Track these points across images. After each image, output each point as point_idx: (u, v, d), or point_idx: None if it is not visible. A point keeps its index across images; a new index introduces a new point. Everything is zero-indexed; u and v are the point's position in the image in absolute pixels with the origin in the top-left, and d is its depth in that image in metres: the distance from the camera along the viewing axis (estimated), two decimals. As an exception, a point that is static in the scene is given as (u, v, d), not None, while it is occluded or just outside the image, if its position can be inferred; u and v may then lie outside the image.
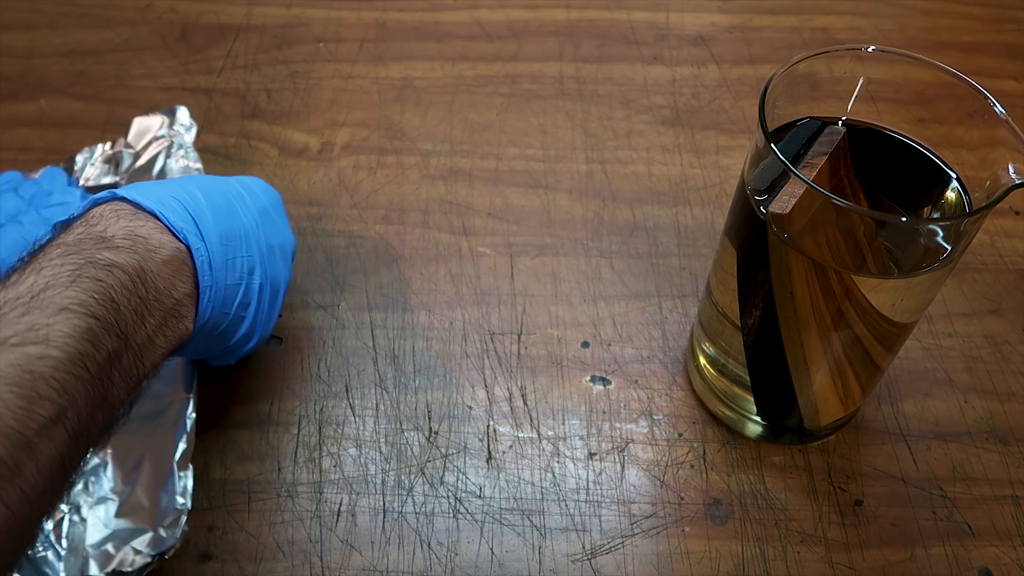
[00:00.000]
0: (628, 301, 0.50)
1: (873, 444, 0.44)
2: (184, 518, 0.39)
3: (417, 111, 0.59)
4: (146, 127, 0.53)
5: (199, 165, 0.51)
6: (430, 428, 0.45)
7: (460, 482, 0.43)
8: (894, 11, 0.67)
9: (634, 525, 0.42)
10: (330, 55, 0.63)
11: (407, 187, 0.55)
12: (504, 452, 0.44)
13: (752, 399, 0.43)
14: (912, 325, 0.39)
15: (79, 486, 0.41)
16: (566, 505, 0.42)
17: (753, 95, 0.61)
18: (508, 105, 0.60)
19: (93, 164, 0.52)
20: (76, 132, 0.57)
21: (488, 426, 0.45)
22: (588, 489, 0.43)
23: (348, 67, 0.62)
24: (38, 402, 0.29)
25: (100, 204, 0.38)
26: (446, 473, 0.43)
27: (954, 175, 0.36)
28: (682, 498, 0.42)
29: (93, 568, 0.38)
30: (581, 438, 0.44)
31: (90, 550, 0.39)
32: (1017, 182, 0.33)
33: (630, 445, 0.44)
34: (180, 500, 0.40)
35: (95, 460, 0.42)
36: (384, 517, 0.42)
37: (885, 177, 0.37)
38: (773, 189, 0.35)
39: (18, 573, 0.39)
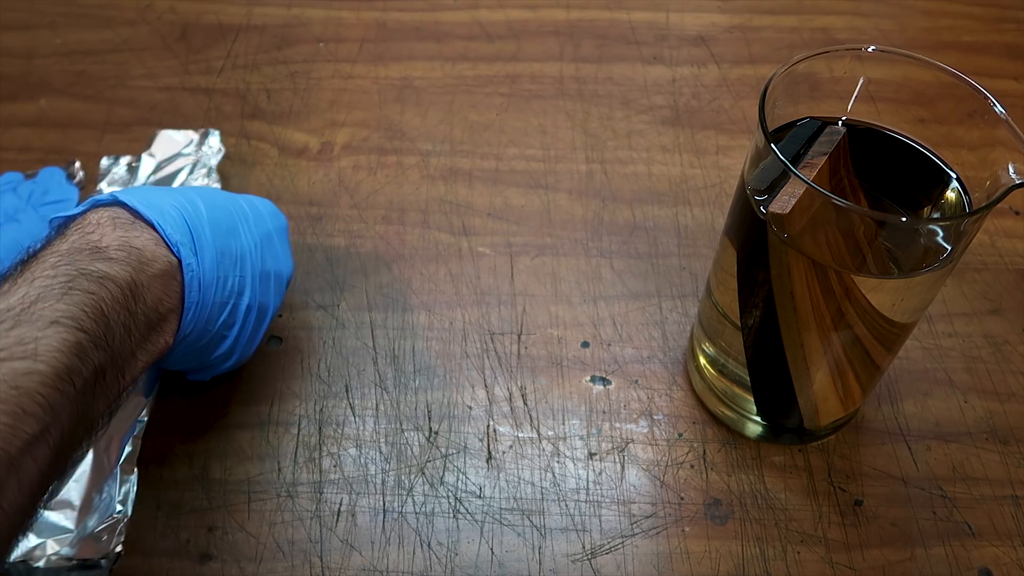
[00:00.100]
0: (628, 301, 0.50)
1: (873, 444, 0.44)
2: (122, 527, 0.38)
3: (417, 111, 0.59)
4: (174, 141, 0.53)
5: (217, 186, 0.51)
6: (430, 428, 0.45)
7: (460, 482, 0.43)
8: (894, 11, 0.67)
9: (634, 525, 0.42)
10: (330, 55, 0.63)
11: (407, 187, 0.55)
12: (504, 452, 0.44)
13: (752, 399, 0.43)
14: (912, 325, 0.39)
15: None
16: (566, 505, 0.42)
17: (753, 95, 0.61)
18: (508, 105, 0.60)
19: (117, 171, 0.52)
20: (76, 132, 0.57)
21: (488, 426, 0.45)
22: (588, 489, 0.43)
23: (348, 67, 0.62)
24: (23, 419, 0.29)
25: (99, 208, 0.37)
26: (446, 473, 0.43)
27: (954, 175, 0.36)
28: (682, 498, 0.42)
29: None
30: (581, 438, 0.44)
31: None
32: (1017, 182, 0.33)
33: (630, 445, 0.44)
34: (119, 507, 0.38)
35: None
36: (384, 517, 0.42)
37: (885, 177, 0.37)
38: (773, 189, 0.35)
39: None
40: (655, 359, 0.47)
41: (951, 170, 0.36)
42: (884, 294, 0.35)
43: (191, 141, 0.53)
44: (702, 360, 0.45)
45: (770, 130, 0.35)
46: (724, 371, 0.43)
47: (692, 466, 0.44)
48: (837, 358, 0.39)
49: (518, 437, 0.44)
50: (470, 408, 0.45)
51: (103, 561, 0.37)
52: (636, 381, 0.47)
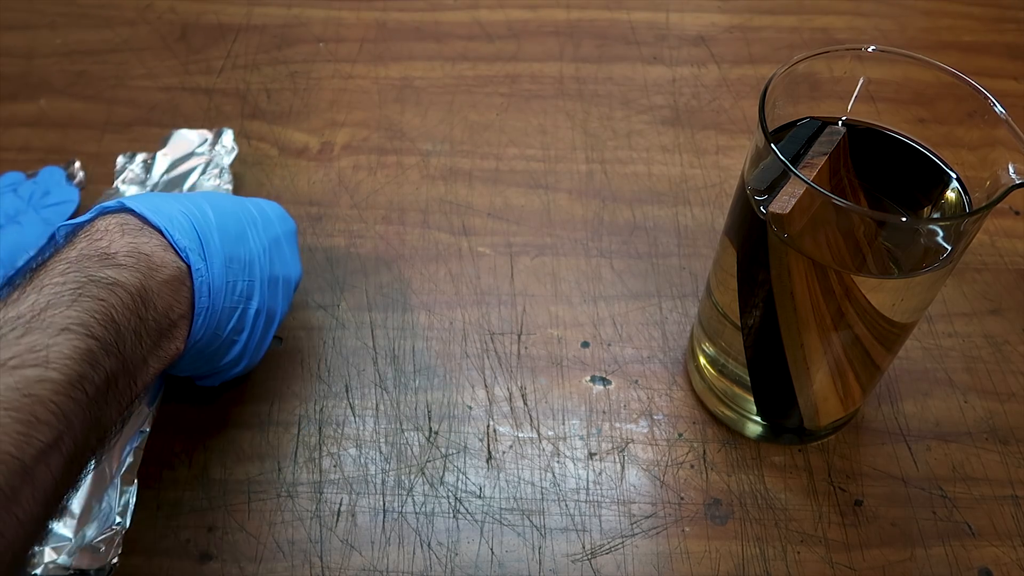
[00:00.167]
0: (628, 301, 0.50)
1: (873, 444, 0.44)
2: (119, 539, 0.37)
3: (417, 111, 0.59)
4: (188, 140, 0.53)
5: (230, 187, 0.51)
6: (430, 428, 0.45)
7: (460, 482, 0.43)
8: (894, 11, 0.67)
9: (634, 525, 0.42)
10: (330, 55, 0.63)
11: (407, 187, 0.55)
12: (504, 452, 0.44)
13: (752, 399, 0.43)
14: (912, 325, 0.39)
15: None
16: (566, 505, 0.42)
17: (753, 95, 0.61)
18: (508, 105, 0.60)
19: (132, 168, 0.52)
20: (76, 132, 0.57)
21: (488, 426, 0.45)
22: (588, 489, 0.43)
23: (348, 67, 0.62)
24: (37, 427, 0.29)
25: (107, 214, 0.37)
26: (446, 473, 0.43)
27: (954, 175, 0.36)
28: (682, 498, 0.42)
29: None
30: (581, 438, 0.44)
31: None
32: (1017, 182, 0.33)
33: (630, 445, 0.44)
34: (118, 519, 0.38)
35: None
36: (384, 517, 0.42)
37: (885, 177, 0.37)
38: (773, 189, 0.35)
39: None
40: (655, 359, 0.47)
41: (951, 170, 0.36)
42: (884, 294, 0.35)
43: (205, 140, 0.53)
44: (702, 360, 0.45)
45: (770, 130, 0.35)
46: (724, 371, 0.43)
47: (692, 466, 0.44)
48: (837, 358, 0.39)
49: (518, 437, 0.44)
50: (470, 408, 0.45)
51: (98, 572, 0.37)
52: (636, 381, 0.47)
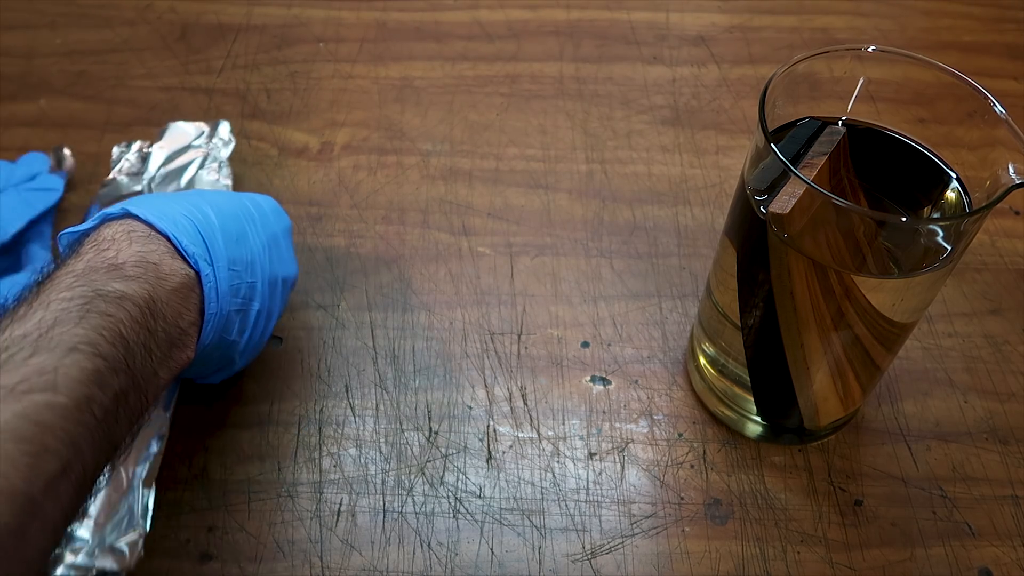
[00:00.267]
0: (628, 301, 0.50)
1: (873, 444, 0.44)
2: (142, 541, 0.38)
3: (417, 111, 0.59)
4: (184, 133, 0.53)
5: (229, 181, 0.51)
6: (430, 428, 0.45)
7: (460, 482, 0.43)
8: (894, 11, 0.67)
9: (634, 525, 0.42)
10: (330, 55, 0.63)
11: (407, 187, 0.55)
12: (504, 452, 0.44)
13: (752, 399, 0.43)
14: (912, 325, 0.39)
15: None
16: (566, 505, 0.42)
17: (753, 95, 0.60)
18: (508, 105, 0.60)
19: (129, 159, 0.52)
20: (76, 132, 0.57)
21: (488, 426, 0.45)
22: (588, 489, 0.43)
23: (348, 67, 0.62)
24: (45, 457, 0.28)
25: (112, 221, 0.37)
26: (446, 473, 0.43)
27: (954, 175, 0.36)
28: (682, 498, 0.42)
29: None
30: (581, 438, 0.44)
31: None
32: (1017, 182, 0.33)
33: (630, 445, 0.44)
34: (140, 520, 0.38)
35: None
36: (384, 517, 0.42)
37: (885, 177, 0.37)
38: (773, 189, 0.35)
39: None
40: (655, 359, 0.47)
41: (951, 170, 0.36)
42: (884, 294, 0.35)
43: (202, 133, 0.53)
44: (702, 360, 0.45)
45: (770, 130, 0.35)
46: (724, 371, 0.43)
47: (692, 466, 0.44)
48: (837, 358, 0.39)
49: (518, 437, 0.44)
50: (470, 408, 0.45)
51: (121, 573, 0.37)
52: (636, 381, 0.47)
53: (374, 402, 0.46)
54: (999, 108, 0.34)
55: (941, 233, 0.35)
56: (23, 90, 0.60)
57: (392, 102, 0.60)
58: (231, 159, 0.53)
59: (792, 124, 0.37)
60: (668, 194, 0.55)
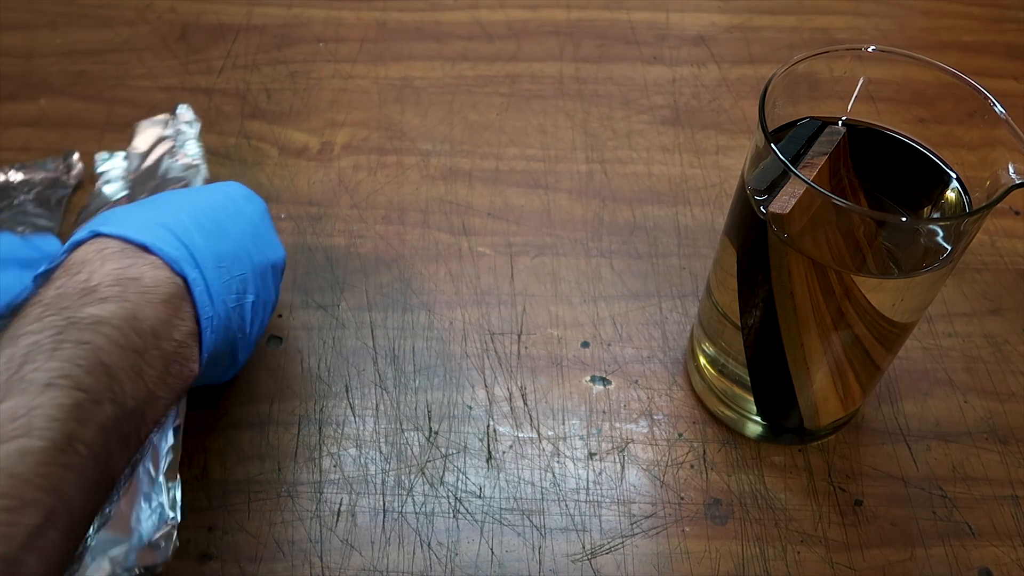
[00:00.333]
0: (628, 301, 0.50)
1: (873, 444, 0.44)
2: (176, 532, 0.37)
3: (417, 111, 0.59)
4: (152, 129, 0.53)
5: (200, 161, 0.50)
6: (430, 428, 0.45)
7: (460, 482, 0.43)
8: (894, 11, 0.67)
9: (634, 525, 0.42)
10: (330, 55, 0.63)
11: (407, 187, 0.55)
12: (504, 452, 0.44)
13: (752, 399, 0.43)
14: (912, 325, 0.39)
15: None
16: (566, 505, 0.42)
17: (753, 95, 0.60)
18: (508, 105, 0.60)
19: (113, 165, 0.52)
20: (76, 132, 0.57)
21: (488, 426, 0.45)
22: (588, 489, 0.43)
23: (348, 67, 0.62)
24: (23, 511, 0.26)
25: (81, 245, 0.34)
26: (446, 473, 0.43)
27: (954, 175, 0.36)
28: (682, 498, 0.42)
29: None
30: (581, 438, 0.44)
31: None
32: (1017, 182, 0.33)
33: (630, 445, 0.44)
34: (170, 513, 0.38)
35: None
36: (384, 517, 0.42)
37: (885, 177, 0.37)
38: (773, 189, 0.35)
39: None
40: (655, 359, 0.47)
41: (951, 170, 0.36)
42: (884, 294, 0.35)
43: (167, 122, 0.52)
44: (702, 360, 0.45)
45: (770, 130, 0.35)
46: (724, 371, 0.43)
47: (692, 466, 0.44)
48: (837, 358, 0.39)
49: (518, 437, 0.44)
50: (470, 408, 0.45)
51: (160, 566, 0.37)
52: (636, 381, 0.47)
53: (374, 402, 0.46)
54: (999, 108, 0.34)
55: (941, 233, 0.35)
56: (23, 90, 0.60)
57: (392, 102, 0.60)
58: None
59: (792, 124, 0.37)
60: (668, 194, 0.55)
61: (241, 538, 0.41)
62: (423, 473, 0.43)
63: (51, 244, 0.49)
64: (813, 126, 0.36)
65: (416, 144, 0.57)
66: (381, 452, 0.44)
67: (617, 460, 0.44)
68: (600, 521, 0.42)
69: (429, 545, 0.41)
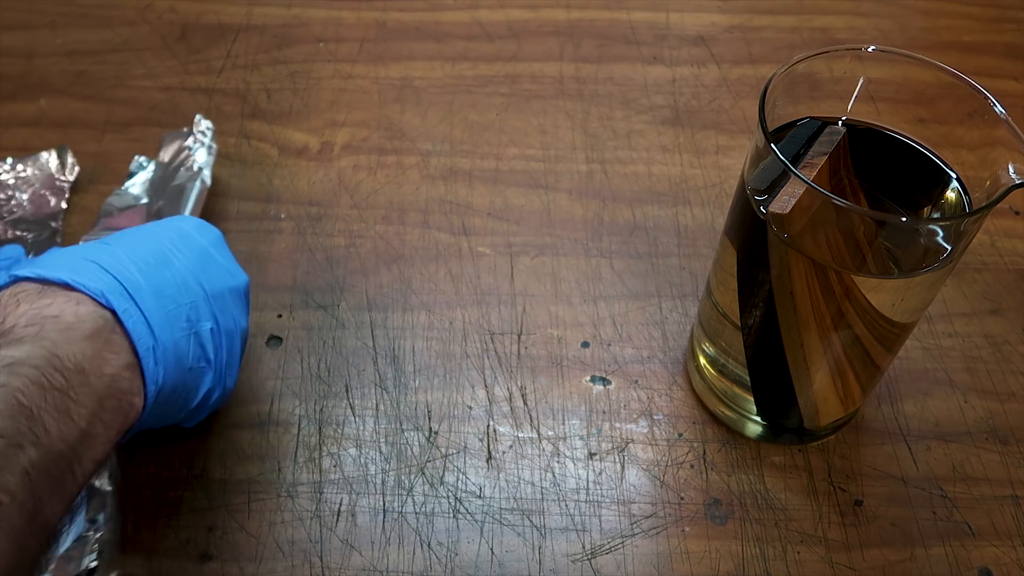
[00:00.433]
0: (628, 301, 0.50)
1: (873, 444, 0.44)
2: (94, 542, 0.36)
3: (417, 111, 0.59)
4: (176, 138, 0.53)
5: (204, 168, 0.50)
6: (430, 428, 0.45)
7: (460, 482, 0.43)
8: (894, 11, 0.67)
9: (634, 525, 0.42)
10: (330, 55, 0.63)
11: (407, 187, 0.55)
12: (504, 452, 0.44)
13: (752, 399, 0.43)
14: (912, 325, 0.39)
15: None
16: (566, 505, 0.42)
17: (753, 95, 0.61)
18: (508, 105, 0.60)
19: (145, 171, 0.52)
20: (76, 132, 0.57)
21: (488, 426, 0.45)
22: (588, 489, 0.43)
23: (348, 67, 0.62)
24: None
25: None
26: (446, 473, 0.43)
27: (954, 175, 0.36)
28: (682, 498, 0.42)
29: None
30: (581, 438, 0.44)
31: None
32: (1017, 182, 0.33)
33: (630, 445, 0.44)
34: (86, 523, 0.36)
35: None
36: (384, 517, 0.42)
37: (885, 177, 0.37)
38: (773, 189, 0.35)
39: None
40: (655, 359, 0.47)
41: (951, 170, 0.36)
42: (884, 294, 0.35)
43: (188, 134, 0.53)
44: (702, 360, 0.45)
45: (770, 130, 0.35)
46: (724, 371, 0.43)
47: (692, 466, 0.44)
48: (837, 358, 0.39)
49: (518, 437, 0.44)
50: (470, 408, 0.45)
51: None
52: (636, 381, 0.47)
53: (374, 402, 0.46)
54: (999, 108, 0.34)
55: (941, 233, 0.35)
56: (23, 90, 0.60)
57: (392, 102, 0.60)
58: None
59: (792, 124, 0.37)
60: (668, 194, 0.55)
61: (241, 538, 0.41)
62: (423, 473, 0.43)
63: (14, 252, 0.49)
64: (813, 126, 0.37)
65: (416, 144, 0.57)
66: (381, 452, 0.44)
67: (617, 460, 0.44)
68: (600, 521, 0.42)
69: (429, 545, 0.41)
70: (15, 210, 0.52)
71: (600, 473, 0.43)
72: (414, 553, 0.41)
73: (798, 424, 0.43)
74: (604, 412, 0.45)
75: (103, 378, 0.32)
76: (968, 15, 0.67)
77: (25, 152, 0.55)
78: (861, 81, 0.37)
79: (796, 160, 0.35)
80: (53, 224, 0.52)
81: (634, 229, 0.53)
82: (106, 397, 0.32)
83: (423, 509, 0.42)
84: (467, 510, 0.42)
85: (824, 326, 0.37)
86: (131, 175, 0.52)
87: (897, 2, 0.68)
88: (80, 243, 0.46)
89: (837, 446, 0.44)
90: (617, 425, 0.45)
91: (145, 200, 0.50)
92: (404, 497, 0.42)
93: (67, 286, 0.33)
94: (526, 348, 0.48)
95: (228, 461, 0.43)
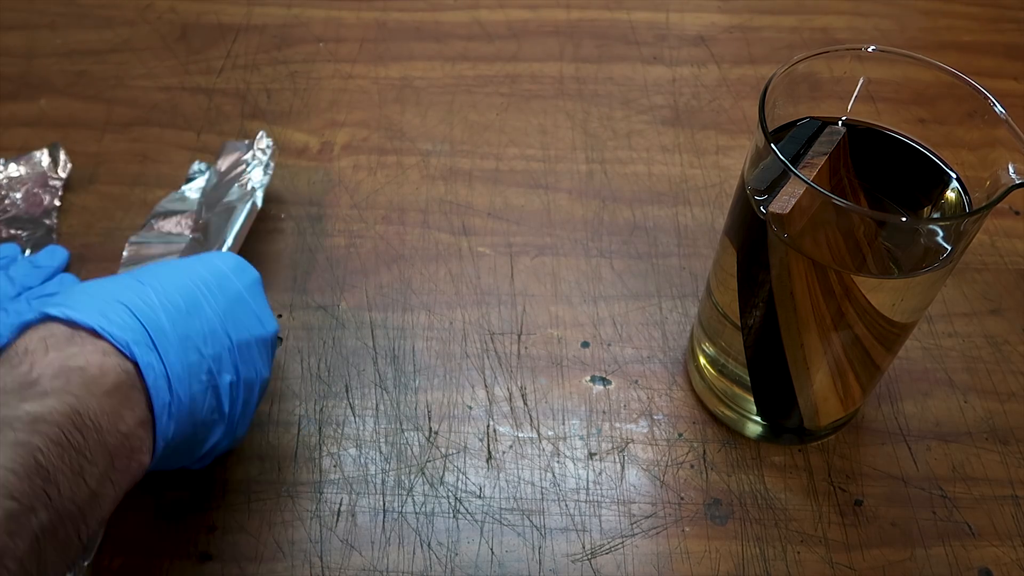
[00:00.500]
0: (628, 301, 0.50)
1: (873, 444, 0.44)
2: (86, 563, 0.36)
3: (417, 111, 0.59)
4: (235, 152, 0.53)
5: (258, 188, 0.49)
6: (430, 428, 0.45)
7: (460, 482, 0.43)
8: (894, 11, 0.67)
9: (634, 525, 0.42)
10: (330, 55, 0.63)
11: (407, 187, 0.55)
12: (504, 452, 0.44)
13: (752, 399, 0.43)
14: (912, 325, 0.39)
15: None
16: (566, 505, 0.42)
17: (753, 95, 0.60)
18: (508, 105, 0.60)
19: (203, 178, 0.52)
20: (76, 132, 0.57)
21: (488, 426, 0.45)
22: (588, 489, 0.43)
23: (348, 67, 0.62)
24: None
25: (28, 330, 0.33)
26: (446, 473, 0.43)
27: (954, 175, 0.36)
28: (682, 498, 0.42)
29: None
30: (581, 438, 0.44)
31: None
32: (1017, 182, 0.33)
33: (630, 445, 0.44)
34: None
35: None
36: (384, 517, 0.42)
37: (885, 177, 0.37)
38: (773, 189, 0.35)
39: None
40: (655, 359, 0.47)
41: (951, 170, 0.36)
42: (884, 294, 0.35)
43: (249, 148, 0.53)
44: (702, 360, 0.45)
45: (770, 130, 0.35)
46: (724, 371, 0.43)
47: (692, 466, 0.44)
48: (837, 358, 0.39)
49: (518, 437, 0.44)
50: (470, 408, 0.45)
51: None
52: (636, 381, 0.47)
53: (374, 402, 0.46)
54: (999, 108, 0.34)
55: (941, 233, 0.35)
56: (23, 90, 0.60)
57: (392, 102, 0.60)
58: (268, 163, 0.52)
59: (792, 124, 0.37)
60: (668, 194, 0.55)
61: (241, 538, 0.41)
62: (423, 473, 0.43)
63: (57, 254, 0.50)
64: (813, 126, 0.37)
65: (416, 144, 0.57)
66: (381, 452, 0.44)
67: (617, 460, 0.44)
68: (600, 521, 0.42)
69: (429, 545, 0.41)
70: (9, 209, 0.52)
71: (600, 473, 0.43)
72: (414, 553, 0.41)
73: (798, 424, 0.43)
74: (604, 412, 0.45)
75: (116, 436, 0.31)
76: (968, 15, 0.67)
77: (26, 152, 0.55)
78: (861, 81, 0.37)
79: (796, 160, 0.35)
80: (47, 222, 0.52)
81: (634, 229, 0.53)
82: (117, 456, 0.31)
83: (423, 509, 0.42)
84: (467, 510, 0.42)
85: (824, 326, 0.37)
86: (188, 179, 0.52)
87: (897, 2, 0.68)
88: (121, 259, 0.47)
89: (837, 446, 0.44)
90: (617, 425, 0.45)
91: (196, 208, 0.50)
92: (404, 497, 0.42)
93: (94, 332, 0.32)
94: (526, 348, 0.48)
95: (228, 461, 0.43)
